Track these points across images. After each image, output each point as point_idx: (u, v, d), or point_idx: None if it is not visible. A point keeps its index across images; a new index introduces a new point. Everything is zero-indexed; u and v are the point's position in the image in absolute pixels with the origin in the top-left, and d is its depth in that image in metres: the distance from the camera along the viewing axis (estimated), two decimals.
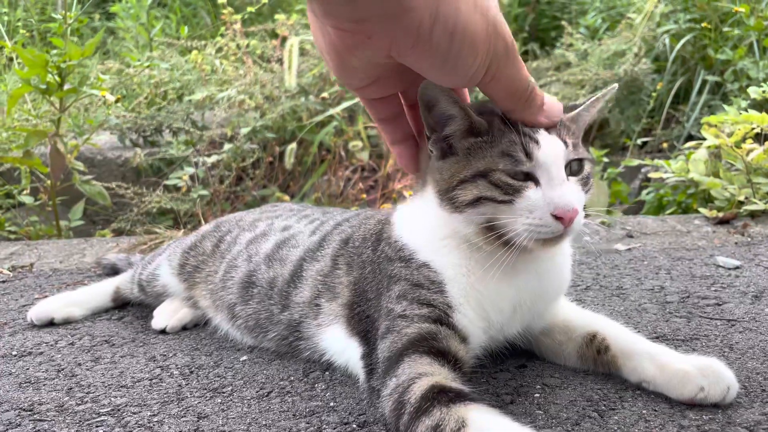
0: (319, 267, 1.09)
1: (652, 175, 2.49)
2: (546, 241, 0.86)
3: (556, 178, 0.86)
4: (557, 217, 0.83)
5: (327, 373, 1.09)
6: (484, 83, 0.76)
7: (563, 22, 4.07)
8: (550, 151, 0.86)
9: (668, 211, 2.51)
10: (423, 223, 0.96)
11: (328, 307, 1.05)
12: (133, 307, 1.54)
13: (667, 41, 3.88)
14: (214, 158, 3.18)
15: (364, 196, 3.12)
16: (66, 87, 2.66)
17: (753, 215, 2.14)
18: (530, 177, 0.86)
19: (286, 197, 3.23)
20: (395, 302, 0.91)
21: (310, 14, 0.73)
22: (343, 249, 1.08)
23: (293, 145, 3.17)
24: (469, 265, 0.92)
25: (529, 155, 0.85)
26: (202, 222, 2.62)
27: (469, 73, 0.74)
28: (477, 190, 0.86)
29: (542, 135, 0.86)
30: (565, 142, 0.87)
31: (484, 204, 0.86)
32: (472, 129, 0.88)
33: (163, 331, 1.36)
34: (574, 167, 0.89)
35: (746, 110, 2.40)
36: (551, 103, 0.86)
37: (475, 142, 0.88)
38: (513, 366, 1.06)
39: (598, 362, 1.00)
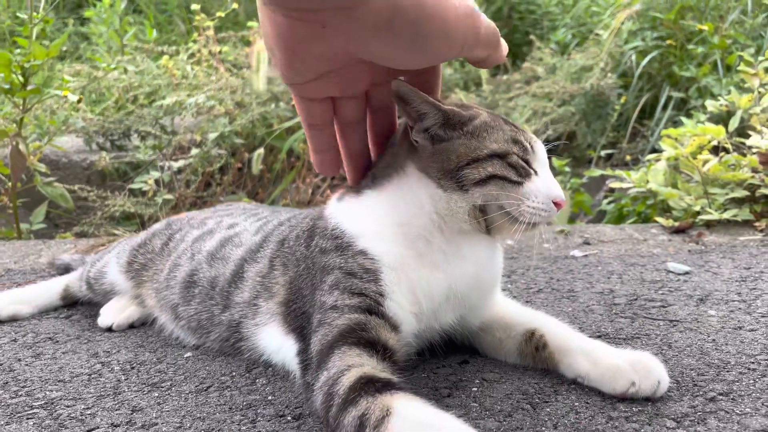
0: (258, 268, 1.09)
1: (613, 185, 2.53)
2: (534, 225, 0.94)
3: (548, 171, 0.99)
4: (554, 204, 0.94)
5: (270, 369, 1.08)
6: (461, 56, 0.79)
7: (532, 37, 4.14)
8: (542, 147, 0.99)
9: (628, 221, 2.55)
10: (374, 210, 0.97)
11: (265, 306, 1.04)
12: (83, 306, 1.52)
13: (633, 58, 3.97)
14: (181, 163, 3.16)
15: None
16: (30, 87, 2.63)
17: (708, 225, 2.18)
18: (531, 167, 0.96)
19: (254, 203, 3.22)
20: (328, 294, 0.91)
21: (259, 3, 0.70)
22: (280, 250, 1.08)
23: (260, 151, 3.16)
24: (408, 252, 0.93)
25: (531, 145, 0.96)
26: None
27: (441, 57, 0.76)
28: (492, 168, 0.91)
29: (531, 134, 1.01)
30: None
31: (492, 183, 0.92)
32: (448, 120, 0.93)
33: (109, 329, 1.34)
34: None
35: (704, 123, 2.46)
36: (503, 40, 0.88)
37: (464, 131, 0.94)
38: (455, 362, 1.07)
39: (537, 359, 1.00)
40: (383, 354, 0.84)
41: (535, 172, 0.96)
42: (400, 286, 0.92)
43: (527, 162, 0.95)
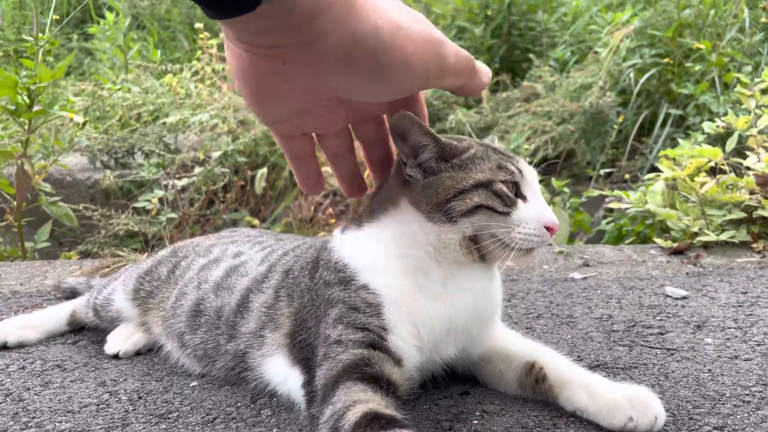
0: (263, 299, 1.11)
1: (612, 205, 2.56)
2: (528, 251, 0.97)
3: (539, 195, 1.00)
4: (547, 228, 0.95)
5: (275, 399, 1.10)
6: (428, 86, 0.79)
7: (531, 56, 4.18)
8: (531, 170, 1.01)
9: (627, 241, 2.57)
10: (375, 243, 1.00)
11: (271, 338, 1.06)
12: (89, 331, 1.54)
13: (632, 75, 4.00)
14: (184, 181, 3.19)
15: (333, 220, 3.14)
16: (36, 108, 2.67)
17: (706, 246, 2.20)
18: (518, 193, 0.97)
19: (256, 221, 3.25)
20: (332, 327, 0.94)
21: (224, 39, 0.71)
22: (285, 281, 1.11)
23: (264, 170, 3.20)
24: (408, 285, 0.96)
25: (519, 170, 0.98)
26: (168, 246, 2.61)
27: (405, 88, 0.75)
28: (478, 198, 0.94)
29: (519, 159, 1.02)
30: None
31: (480, 213, 0.94)
32: (443, 154, 0.96)
33: (116, 356, 1.36)
34: None
35: (700, 144, 2.49)
36: (483, 66, 0.87)
37: (453, 164, 0.97)
38: (456, 393, 1.09)
39: (536, 391, 1.03)
40: (387, 389, 0.87)
41: (525, 198, 0.97)
42: (402, 320, 0.95)
43: (516, 186, 0.97)
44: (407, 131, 0.92)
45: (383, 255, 0.98)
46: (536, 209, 0.97)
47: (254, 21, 0.61)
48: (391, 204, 1.00)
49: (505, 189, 0.95)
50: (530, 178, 1.00)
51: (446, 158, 0.97)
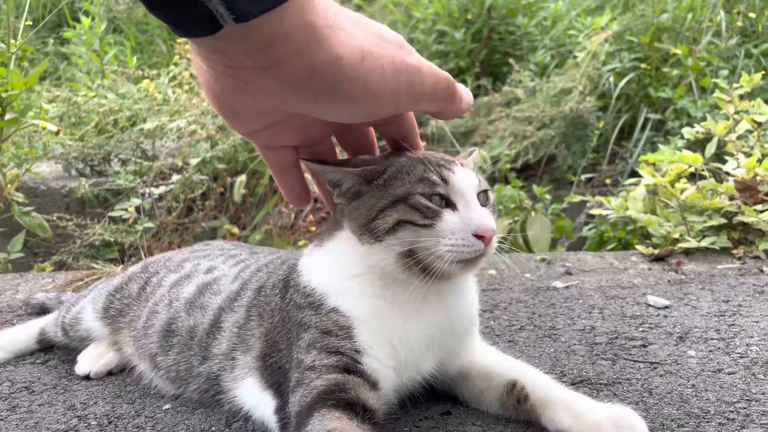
0: (235, 318, 1.08)
1: (593, 211, 2.56)
2: (467, 262, 0.90)
3: (472, 202, 0.92)
4: (478, 237, 0.88)
5: (250, 422, 1.06)
6: (401, 112, 0.77)
7: (511, 60, 4.18)
8: (464, 177, 0.93)
9: (609, 247, 2.57)
10: (334, 264, 0.98)
11: (242, 360, 1.03)
12: (60, 350, 1.49)
13: (611, 79, 4.02)
14: (162, 189, 3.14)
15: (314, 228, 3.11)
16: (8, 116, 2.60)
17: (687, 252, 2.20)
18: (448, 203, 0.91)
19: (236, 229, 3.20)
20: (305, 352, 0.91)
21: (191, 52, 0.71)
22: (256, 299, 1.08)
23: (242, 177, 3.15)
24: (378, 302, 0.94)
25: (444, 180, 0.91)
26: (143, 256, 2.56)
27: (373, 115, 0.73)
28: (397, 214, 0.89)
29: (456, 166, 0.95)
30: (477, 176, 0.96)
31: (403, 228, 0.89)
32: (365, 179, 0.93)
33: (87, 377, 1.31)
34: (482, 199, 0.95)
35: (680, 149, 2.49)
36: (465, 91, 0.84)
37: (377, 184, 0.93)
38: (437, 413, 1.06)
39: (518, 411, 1.00)
40: (363, 416, 0.84)
41: (455, 207, 0.91)
42: (377, 339, 0.92)
43: (442, 197, 0.91)
44: (320, 171, 0.91)
45: (347, 274, 0.96)
46: (464, 218, 0.89)
47: (214, 43, 0.60)
48: (336, 228, 1.00)
49: (423, 201, 0.89)
50: (460, 185, 0.91)
51: (369, 181, 0.93)
